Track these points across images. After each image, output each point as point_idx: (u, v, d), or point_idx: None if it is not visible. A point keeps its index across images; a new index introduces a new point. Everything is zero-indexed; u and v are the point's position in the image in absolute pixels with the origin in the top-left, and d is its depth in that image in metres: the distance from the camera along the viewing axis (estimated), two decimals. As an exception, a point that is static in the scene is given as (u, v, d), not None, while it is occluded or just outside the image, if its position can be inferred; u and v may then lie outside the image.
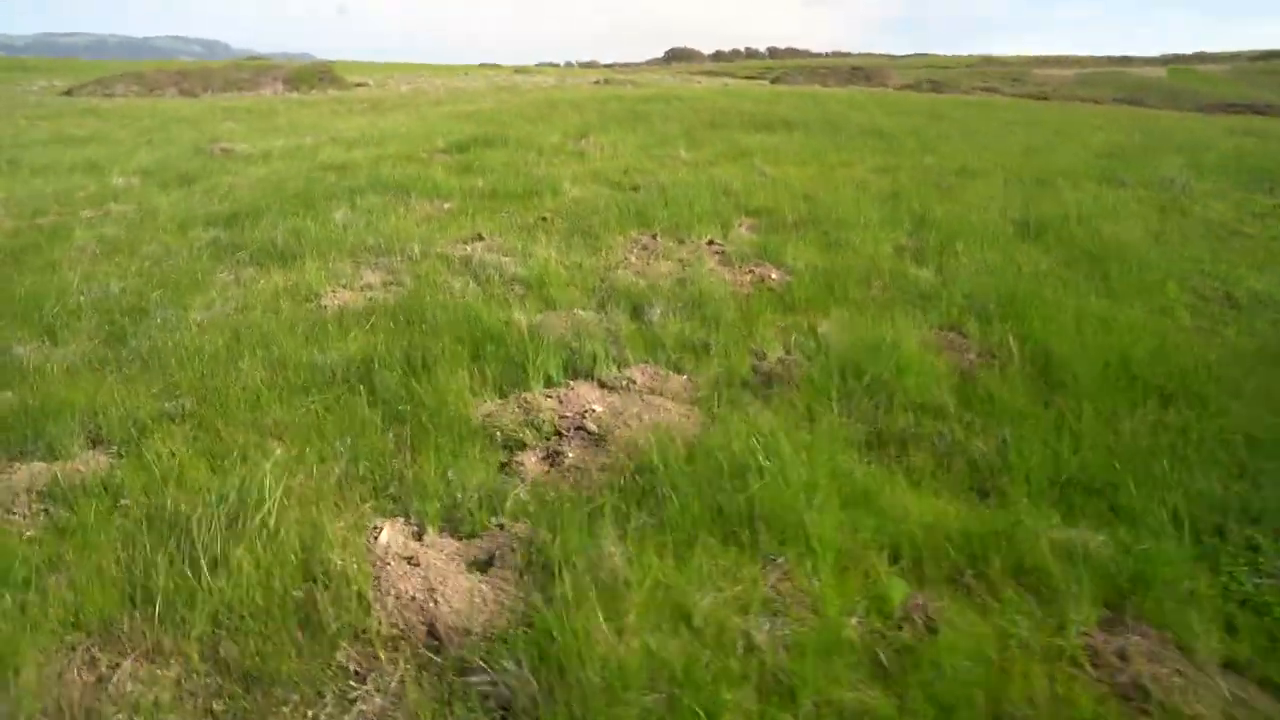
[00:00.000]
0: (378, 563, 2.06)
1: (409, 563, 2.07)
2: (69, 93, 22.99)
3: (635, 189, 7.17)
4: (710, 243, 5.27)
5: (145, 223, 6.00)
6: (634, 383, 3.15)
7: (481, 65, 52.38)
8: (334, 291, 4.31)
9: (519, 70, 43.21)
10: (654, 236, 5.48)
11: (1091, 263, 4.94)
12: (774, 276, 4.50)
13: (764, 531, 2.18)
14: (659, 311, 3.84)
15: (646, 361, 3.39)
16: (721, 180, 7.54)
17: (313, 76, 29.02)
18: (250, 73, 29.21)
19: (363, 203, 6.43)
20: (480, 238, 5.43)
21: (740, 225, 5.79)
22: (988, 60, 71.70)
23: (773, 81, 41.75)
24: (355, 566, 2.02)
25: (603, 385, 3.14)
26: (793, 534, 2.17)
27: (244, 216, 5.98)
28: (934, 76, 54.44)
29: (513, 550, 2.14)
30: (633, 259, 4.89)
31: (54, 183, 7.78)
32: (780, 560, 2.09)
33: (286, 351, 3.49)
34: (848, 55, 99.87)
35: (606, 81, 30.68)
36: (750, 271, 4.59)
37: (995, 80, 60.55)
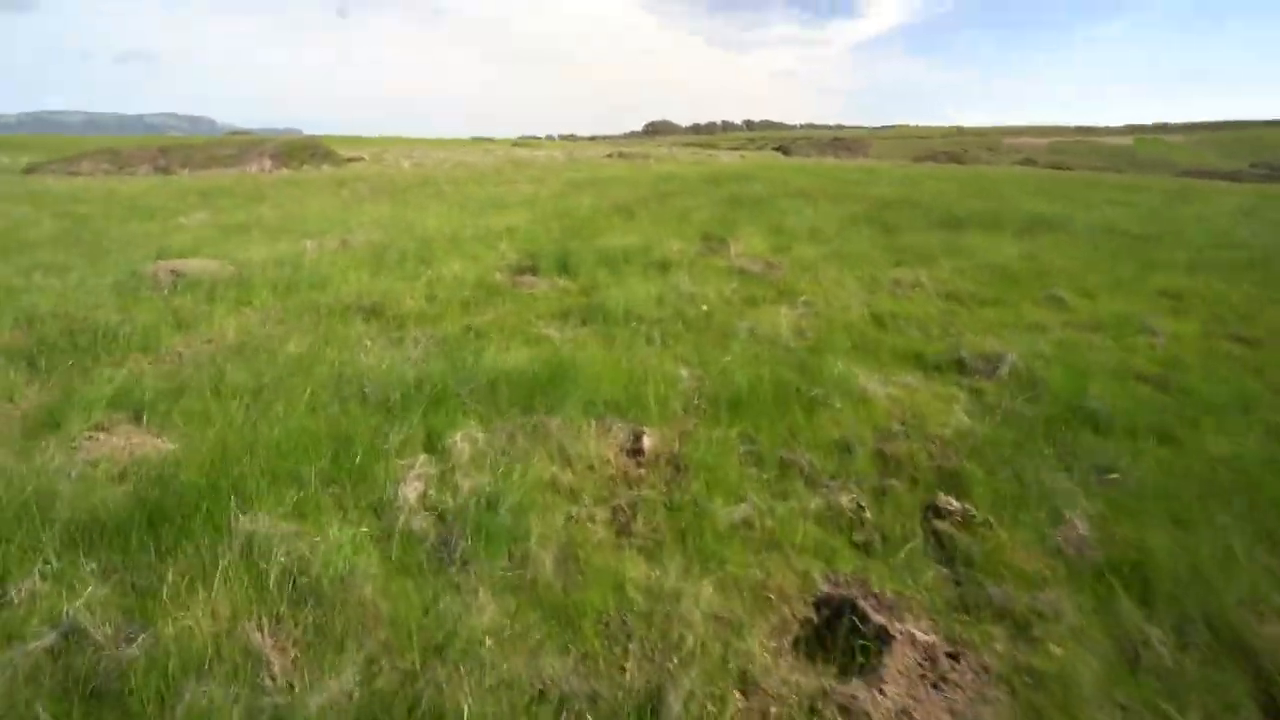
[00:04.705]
0: None
1: None
2: (29, 170, 19.09)
3: (963, 369, 3.58)
4: None
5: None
6: None
7: (475, 138, 49.83)
8: None
9: (519, 144, 40.57)
10: None
11: None
12: None
13: None
14: None
15: None
16: (1092, 346, 4.02)
17: (303, 151, 25.55)
18: (235, 148, 25.57)
19: (462, 446, 2.72)
20: (862, 598, 1.73)
21: None
22: (960, 130, 72.16)
23: (783, 152, 39.77)
24: None
25: None
26: None
27: (195, 518, 2.20)
28: (918, 150, 53.70)
29: None
30: None
31: None
32: None
33: None
34: (822, 127, 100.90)
35: (621, 155, 27.79)
36: None
37: (974, 149, 60.74)
